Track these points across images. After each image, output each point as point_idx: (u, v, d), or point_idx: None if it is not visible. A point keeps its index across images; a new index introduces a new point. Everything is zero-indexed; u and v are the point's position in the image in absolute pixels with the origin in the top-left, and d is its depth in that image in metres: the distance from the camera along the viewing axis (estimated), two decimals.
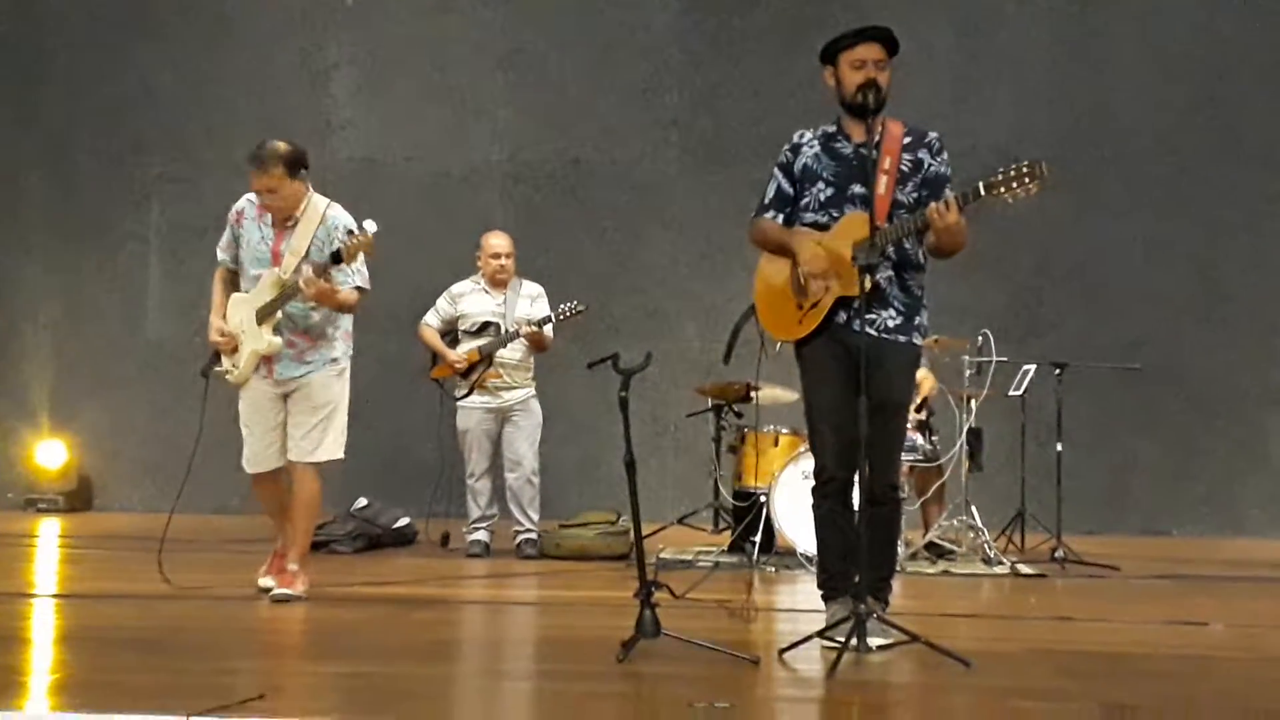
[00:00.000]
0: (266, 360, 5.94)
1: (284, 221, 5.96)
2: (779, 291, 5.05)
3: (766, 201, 5.09)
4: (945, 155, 4.99)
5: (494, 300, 8.00)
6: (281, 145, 5.87)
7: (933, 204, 4.68)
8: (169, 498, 6.25)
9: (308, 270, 5.73)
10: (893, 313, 4.90)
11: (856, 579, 4.69)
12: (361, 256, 5.85)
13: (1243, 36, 10.32)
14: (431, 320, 8.10)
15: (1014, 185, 4.57)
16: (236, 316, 5.98)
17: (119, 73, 10.99)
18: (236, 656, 4.87)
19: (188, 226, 10.60)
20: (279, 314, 5.89)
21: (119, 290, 11.01)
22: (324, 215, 5.95)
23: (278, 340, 5.90)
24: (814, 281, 4.87)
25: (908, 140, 4.95)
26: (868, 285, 4.67)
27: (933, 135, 5.00)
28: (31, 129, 11.07)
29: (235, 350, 5.98)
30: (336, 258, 5.74)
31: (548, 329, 7.90)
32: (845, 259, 4.80)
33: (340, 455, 6.12)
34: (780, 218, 5.05)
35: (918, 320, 4.98)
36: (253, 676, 4.46)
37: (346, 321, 6.12)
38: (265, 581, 6.08)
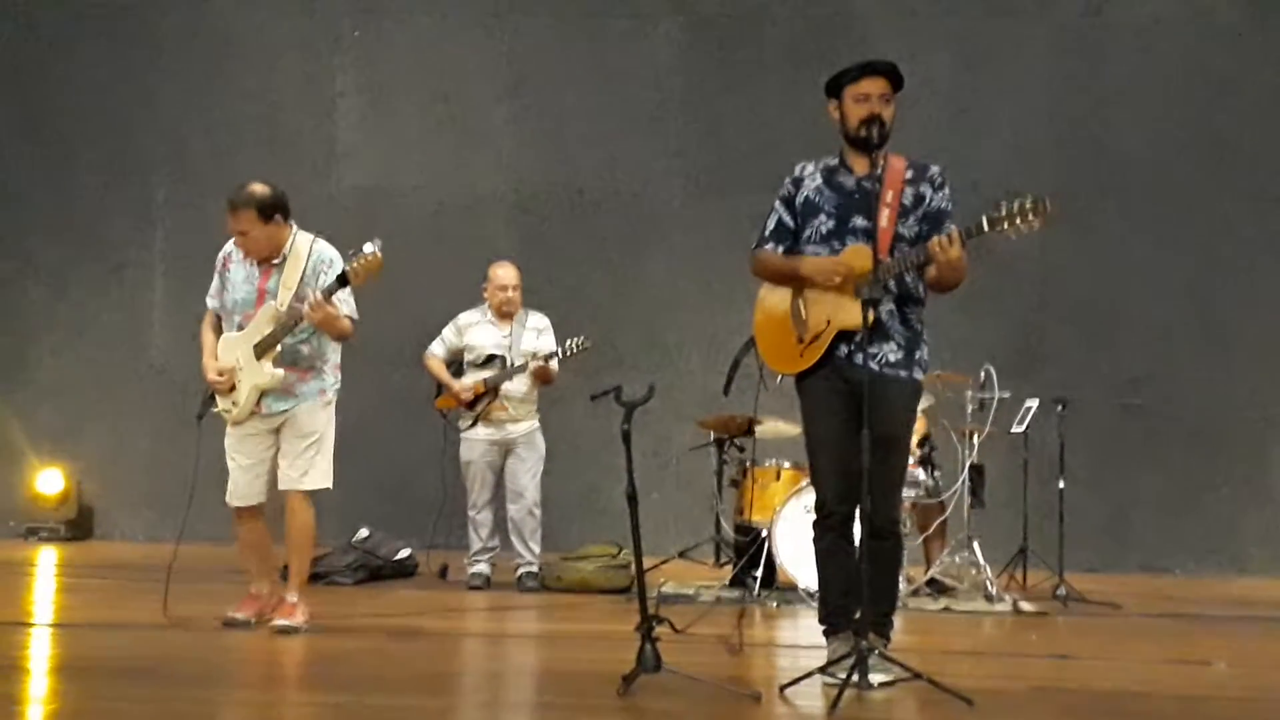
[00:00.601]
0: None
1: (268, 261, 5.99)
2: (779, 324, 5.05)
3: (767, 234, 5.09)
4: (947, 190, 5.00)
5: (500, 332, 8.00)
6: (258, 189, 5.92)
7: (935, 238, 4.68)
8: (169, 527, 6.25)
9: (315, 294, 5.74)
10: (894, 346, 4.90)
11: (858, 615, 4.67)
12: (347, 290, 5.86)
13: (1240, 69, 10.34)
14: (437, 350, 8.09)
15: (1016, 220, 4.57)
16: (230, 356, 5.99)
17: (125, 97, 11.02)
18: (234, 687, 4.86)
19: (192, 252, 10.55)
20: (279, 347, 5.89)
21: (123, 315, 11.01)
22: (310, 249, 5.98)
23: (280, 372, 5.91)
24: (819, 313, 4.85)
25: (910, 174, 4.96)
26: (870, 319, 4.67)
27: (935, 170, 5.01)
28: (38, 151, 11.08)
29: (233, 389, 5.98)
30: (343, 280, 5.74)
31: (553, 363, 7.90)
32: (847, 292, 4.79)
33: (329, 485, 6.11)
34: (781, 250, 5.05)
35: (918, 354, 4.97)
36: (250, 708, 4.45)
37: (335, 355, 6.13)
38: (236, 615, 6.00)
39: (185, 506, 6.04)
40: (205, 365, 6.07)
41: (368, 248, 5.73)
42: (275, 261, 5.98)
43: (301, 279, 5.91)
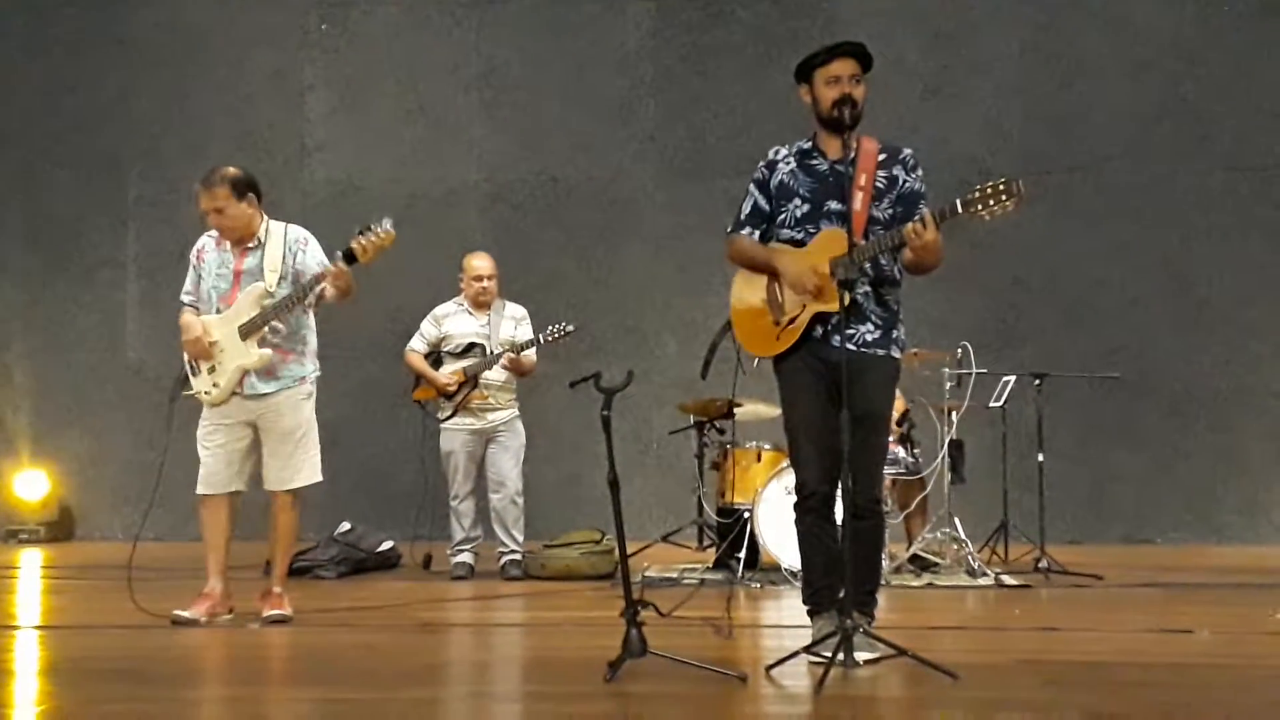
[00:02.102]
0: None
1: (242, 244, 6.02)
2: (756, 308, 5.06)
3: (742, 218, 5.10)
4: (920, 172, 5.01)
5: (478, 321, 7.99)
6: (230, 169, 6.03)
7: (910, 223, 4.69)
8: (150, 526, 6.25)
9: (336, 263, 5.77)
10: (870, 327, 4.92)
11: (842, 594, 4.69)
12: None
13: (1209, 39, 10.40)
14: (417, 345, 8.07)
15: (990, 203, 4.58)
16: (213, 336, 5.98)
17: (95, 95, 10.98)
18: (220, 684, 4.85)
19: (165, 250, 10.58)
20: (266, 328, 5.91)
21: (97, 315, 10.98)
22: (285, 233, 6.07)
23: (267, 352, 5.93)
24: (795, 296, 4.88)
25: (883, 157, 4.97)
26: (847, 300, 4.68)
27: (907, 152, 5.02)
28: (10, 152, 11.03)
29: (213, 370, 5.97)
30: (350, 257, 5.76)
31: (530, 352, 7.89)
32: (824, 275, 4.81)
33: (319, 478, 6.14)
34: (756, 234, 5.07)
35: (895, 334, 4.99)
36: (237, 704, 4.44)
37: (313, 340, 6.16)
38: (184, 614, 5.89)
39: (153, 487, 6.05)
40: (187, 329, 6.00)
41: (385, 223, 5.77)
42: (250, 245, 6.02)
43: (282, 258, 5.97)
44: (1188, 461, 10.20)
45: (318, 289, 5.90)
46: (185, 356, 6.10)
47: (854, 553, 4.73)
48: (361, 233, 5.78)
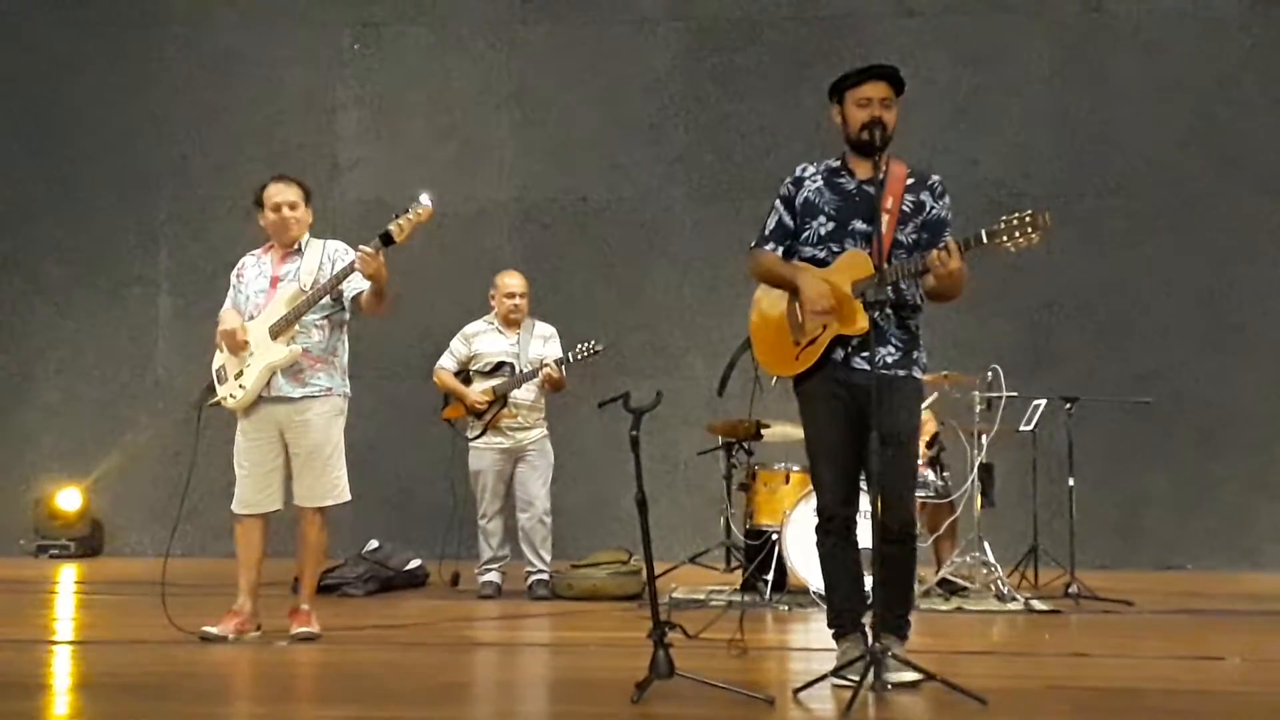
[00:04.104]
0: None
1: (283, 250, 6.12)
2: (775, 326, 5.05)
3: (767, 233, 5.09)
4: (947, 199, 4.99)
5: (508, 340, 8.01)
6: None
7: (934, 250, 4.68)
8: (179, 542, 6.28)
9: (366, 247, 5.79)
10: (891, 349, 4.88)
11: (867, 618, 4.66)
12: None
13: (1242, 61, 10.36)
14: (447, 364, 8.08)
15: (1015, 235, 4.58)
16: (245, 337, 6.03)
17: (128, 115, 11.07)
18: (248, 701, 4.87)
19: (195, 268, 10.66)
20: (296, 326, 5.96)
21: (127, 332, 11.04)
22: (324, 245, 6.19)
23: (296, 348, 5.98)
24: (813, 318, 4.86)
25: (910, 181, 4.96)
26: (872, 321, 4.67)
27: (935, 178, 5.01)
28: (44, 171, 11.13)
29: (239, 375, 6.00)
30: (387, 239, 5.79)
31: (561, 369, 7.91)
32: (843, 296, 4.80)
33: (349, 498, 6.17)
34: (780, 250, 5.05)
35: (916, 355, 4.96)
36: None
37: (344, 353, 6.19)
38: (212, 630, 5.91)
39: (180, 504, 6.09)
40: (225, 319, 6.07)
41: (424, 198, 5.83)
42: (291, 252, 6.13)
43: (319, 266, 6.07)
44: (1220, 487, 10.12)
45: (350, 279, 5.93)
46: (213, 365, 6.16)
47: (886, 577, 4.69)
48: (397, 215, 5.82)
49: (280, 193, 6.11)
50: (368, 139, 11.02)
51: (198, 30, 11.15)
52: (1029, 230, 4.57)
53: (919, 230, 4.90)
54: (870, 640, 4.55)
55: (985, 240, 4.63)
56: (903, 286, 4.88)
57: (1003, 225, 4.60)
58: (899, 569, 4.88)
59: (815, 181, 5.02)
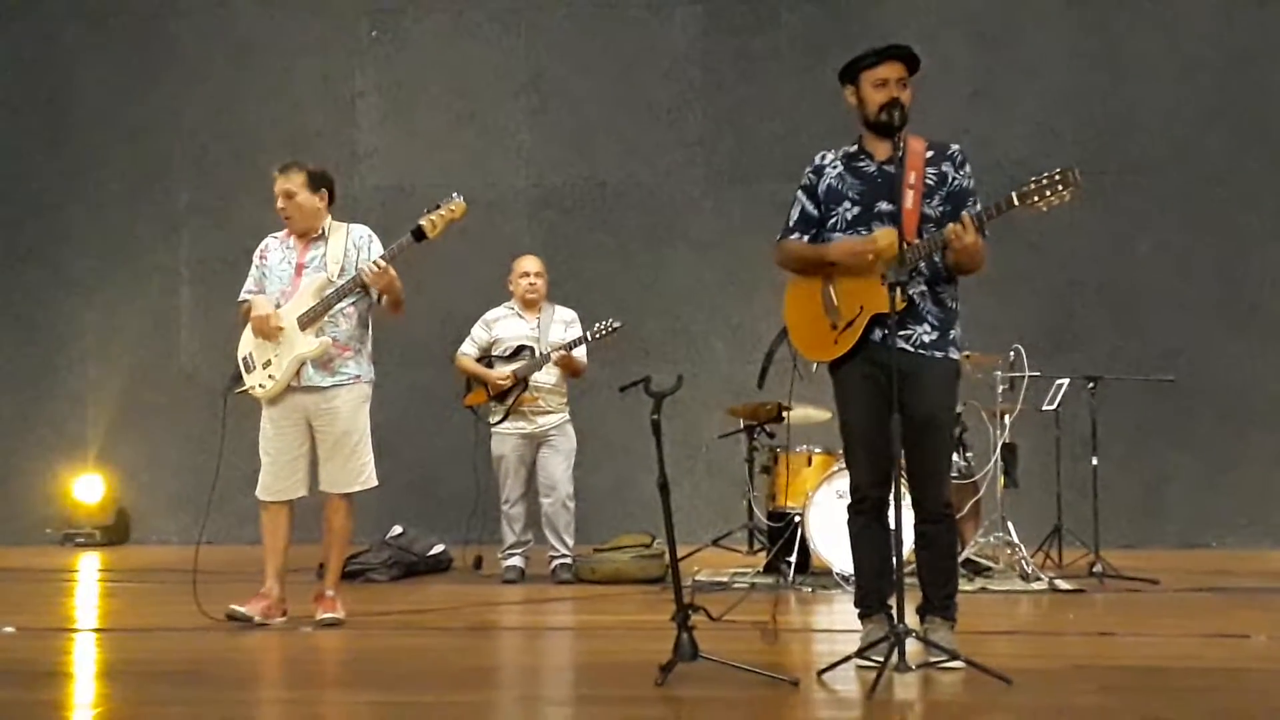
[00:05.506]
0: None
1: (305, 237, 6.12)
2: (811, 312, 5.02)
3: (791, 224, 5.07)
4: (969, 168, 4.96)
5: (528, 324, 8.02)
6: (313, 164, 6.21)
7: (950, 225, 4.67)
8: (206, 528, 6.32)
9: (374, 261, 5.87)
10: (927, 328, 4.85)
11: (893, 599, 4.66)
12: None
13: (1261, 38, 10.29)
14: (469, 349, 8.09)
15: (1047, 193, 4.55)
16: (280, 323, 6.05)
17: (147, 103, 11.10)
18: (275, 687, 4.89)
19: (216, 256, 10.68)
20: (325, 317, 5.98)
21: (150, 320, 11.09)
22: (348, 230, 6.18)
23: (326, 339, 6.00)
24: (850, 298, 4.83)
25: (930, 154, 4.93)
26: (899, 303, 4.65)
27: (955, 148, 4.98)
28: (64, 161, 11.17)
29: (268, 364, 6.02)
30: (419, 235, 5.83)
31: (580, 351, 7.91)
32: (878, 275, 4.78)
33: (375, 483, 6.20)
34: (806, 239, 5.03)
35: (953, 334, 4.92)
36: (291, 707, 4.48)
37: (369, 343, 6.21)
38: (240, 609, 5.95)
39: (210, 491, 6.10)
40: (259, 306, 6.06)
41: (456, 196, 5.93)
42: (314, 237, 6.13)
43: (344, 253, 6.07)
44: (1244, 465, 10.08)
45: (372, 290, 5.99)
46: (239, 354, 6.17)
47: (928, 559, 4.76)
48: (429, 211, 5.84)
49: (277, 184, 6.11)
50: (386, 126, 11.03)
51: (216, 19, 11.17)
52: (1059, 188, 4.54)
53: (945, 202, 4.85)
54: (893, 621, 4.55)
55: (1017, 202, 4.60)
56: (935, 259, 4.84)
57: (1033, 185, 4.58)
58: (937, 547, 4.89)
59: (835, 168, 4.99)
